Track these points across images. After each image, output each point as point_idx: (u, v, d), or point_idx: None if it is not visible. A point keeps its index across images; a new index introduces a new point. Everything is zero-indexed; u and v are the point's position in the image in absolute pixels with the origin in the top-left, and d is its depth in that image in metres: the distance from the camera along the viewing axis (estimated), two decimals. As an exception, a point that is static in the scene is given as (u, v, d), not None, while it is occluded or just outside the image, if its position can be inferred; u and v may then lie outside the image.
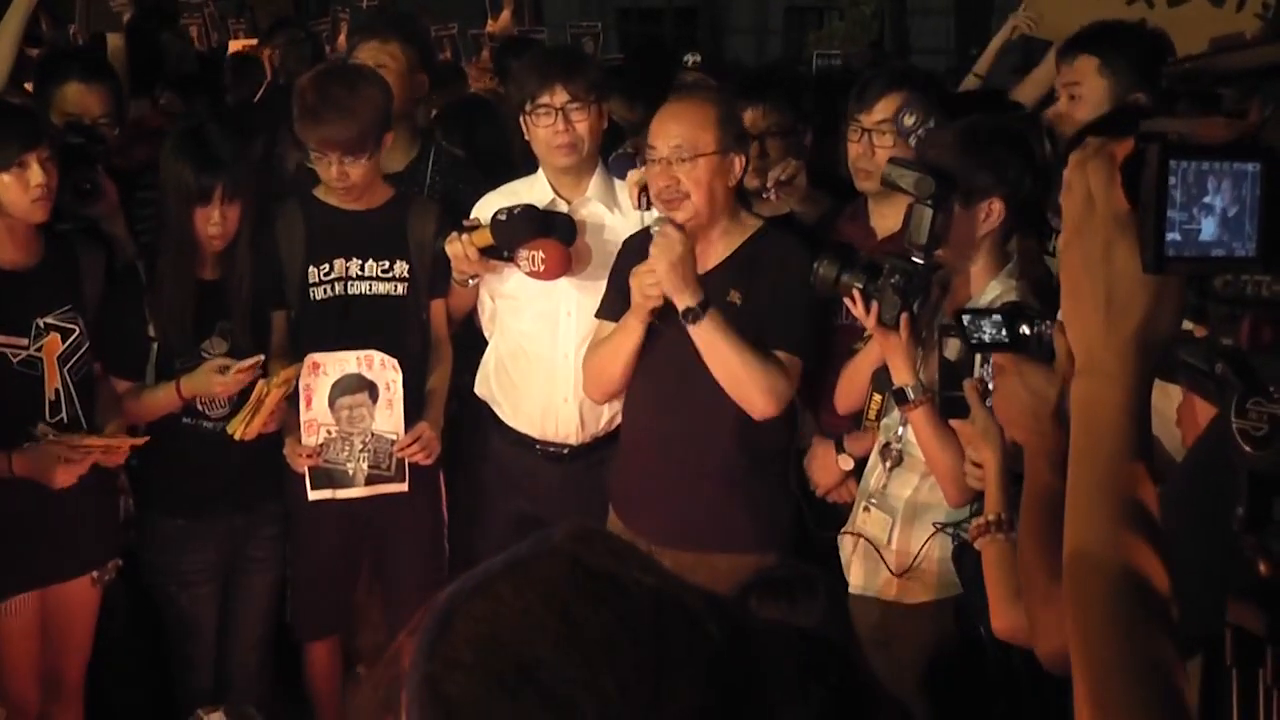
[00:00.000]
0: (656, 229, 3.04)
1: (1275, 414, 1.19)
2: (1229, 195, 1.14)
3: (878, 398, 2.95)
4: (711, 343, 3.02)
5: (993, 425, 2.19)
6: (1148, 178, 1.14)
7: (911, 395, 2.71)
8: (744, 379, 3.03)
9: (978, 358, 2.21)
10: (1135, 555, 1.11)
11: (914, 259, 2.66)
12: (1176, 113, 3.15)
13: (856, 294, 2.71)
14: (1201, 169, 1.13)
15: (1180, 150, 1.14)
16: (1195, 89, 3.35)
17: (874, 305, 2.69)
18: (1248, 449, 1.21)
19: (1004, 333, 2.06)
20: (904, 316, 2.67)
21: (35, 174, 3.07)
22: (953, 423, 2.42)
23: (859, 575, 2.92)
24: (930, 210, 2.60)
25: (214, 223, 3.23)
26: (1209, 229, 1.14)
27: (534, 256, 3.26)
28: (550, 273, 3.27)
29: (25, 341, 3.15)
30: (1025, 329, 2.05)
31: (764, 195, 3.42)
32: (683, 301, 3.00)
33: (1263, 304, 1.20)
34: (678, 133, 3.04)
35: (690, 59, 4.96)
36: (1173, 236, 1.13)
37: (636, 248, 3.21)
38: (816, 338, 3.16)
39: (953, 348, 2.25)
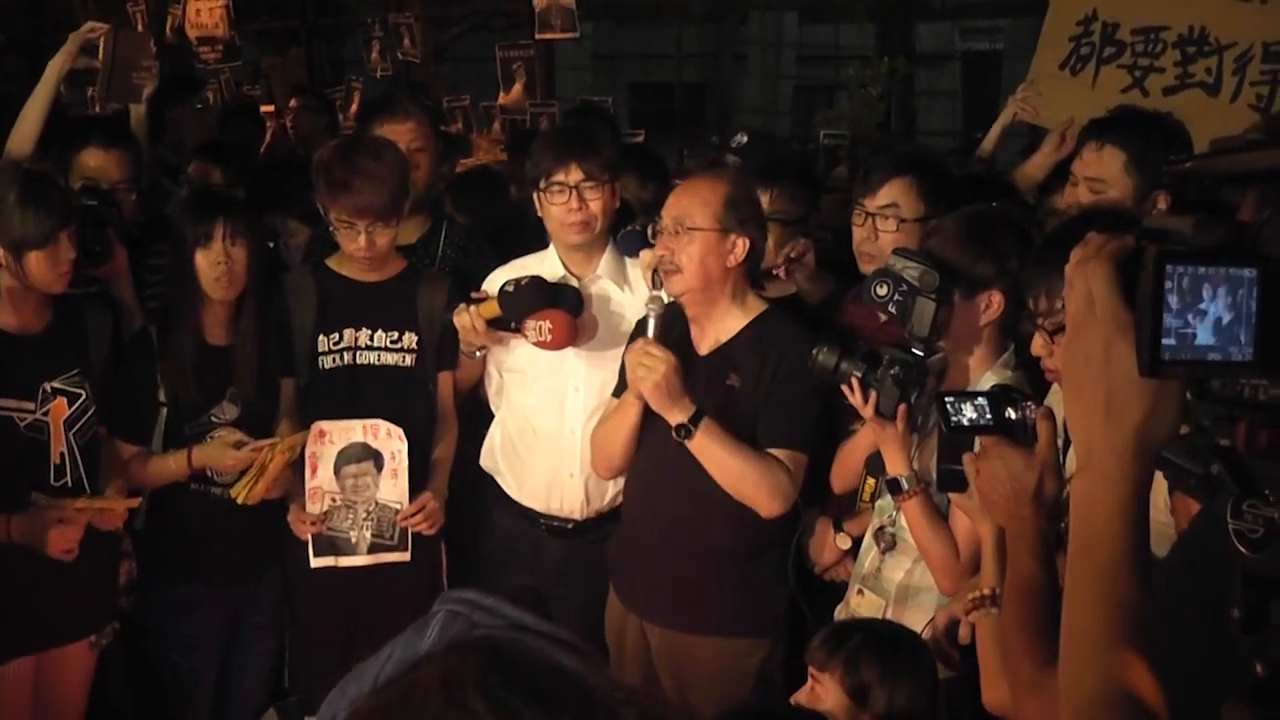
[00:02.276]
0: (651, 307, 3.06)
1: (1271, 517, 1.19)
2: (1225, 301, 1.14)
3: (871, 481, 2.95)
4: (709, 454, 3.03)
5: None
6: (1144, 282, 1.14)
7: (905, 486, 2.72)
8: (746, 482, 3.03)
9: None
10: (1128, 666, 1.12)
11: (914, 350, 2.68)
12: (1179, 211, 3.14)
13: (855, 382, 2.72)
14: (1198, 274, 1.13)
15: (1176, 256, 1.14)
16: (1194, 189, 3.36)
17: (872, 395, 2.70)
18: (1244, 551, 1.21)
19: (988, 416, 2.08)
20: (901, 408, 2.69)
21: (65, 250, 3.11)
22: (951, 496, 2.43)
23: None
24: (933, 303, 2.62)
25: (218, 262, 3.25)
26: (1205, 334, 1.13)
27: (541, 327, 3.28)
28: (557, 343, 3.29)
29: (33, 405, 3.16)
30: (1011, 413, 2.07)
31: (774, 273, 3.44)
32: (674, 418, 3.01)
33: (1259, 407, 1.20)
34: (678, 206, 3.08)
35: (739, 139, 5.07)
36: (1168, 341, 1.13)
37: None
38: (818, 423, 3.15)
39: None
